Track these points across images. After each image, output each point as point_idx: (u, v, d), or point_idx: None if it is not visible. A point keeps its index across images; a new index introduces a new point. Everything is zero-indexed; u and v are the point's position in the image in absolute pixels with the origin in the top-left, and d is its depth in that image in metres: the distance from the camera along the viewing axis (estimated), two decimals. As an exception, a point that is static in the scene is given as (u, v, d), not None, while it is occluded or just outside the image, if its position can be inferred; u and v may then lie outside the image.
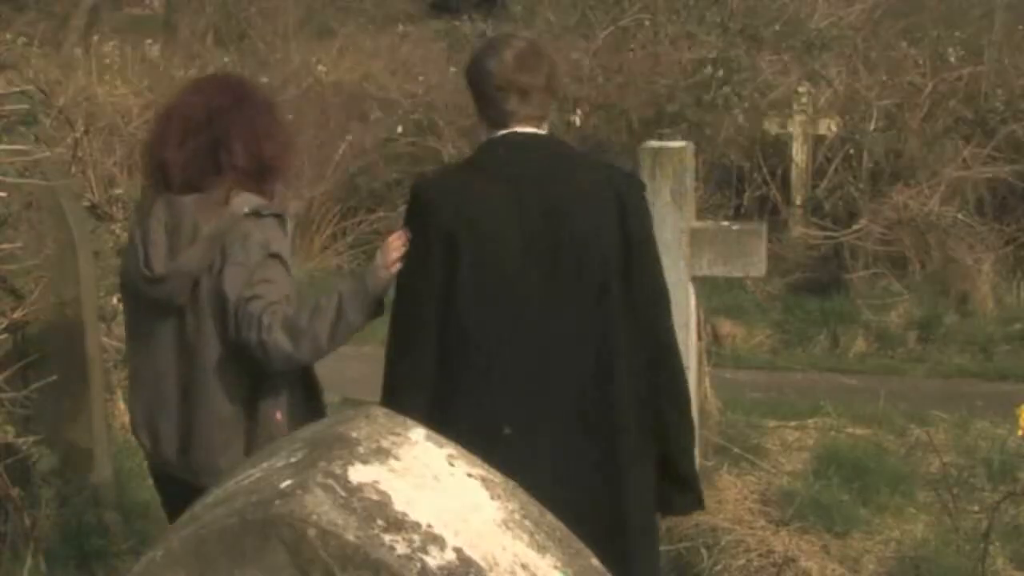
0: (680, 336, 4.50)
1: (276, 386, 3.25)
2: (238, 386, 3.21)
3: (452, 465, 2.25)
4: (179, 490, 3.12)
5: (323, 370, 7.03)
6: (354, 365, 8.45)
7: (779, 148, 10.22)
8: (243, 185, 3.25)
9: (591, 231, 3.01)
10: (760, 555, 4.56)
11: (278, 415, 3.25)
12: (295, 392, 3.31)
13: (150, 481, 5.16)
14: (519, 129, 3.07)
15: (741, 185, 10.17)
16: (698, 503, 3.34)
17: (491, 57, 3.08)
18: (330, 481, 2.07)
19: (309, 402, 3.36)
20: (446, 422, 2.59)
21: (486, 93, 3.09)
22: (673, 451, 3.16)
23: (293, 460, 2.19)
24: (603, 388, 3.01)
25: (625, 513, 3.02)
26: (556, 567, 2.13)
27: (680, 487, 3.22)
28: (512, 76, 3.05)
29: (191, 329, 3.20)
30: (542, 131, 3.12)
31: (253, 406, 3.23)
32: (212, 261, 3.17)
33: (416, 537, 2.02)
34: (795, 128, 10.14)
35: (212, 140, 3.25)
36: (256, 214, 3.23)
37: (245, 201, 3.23)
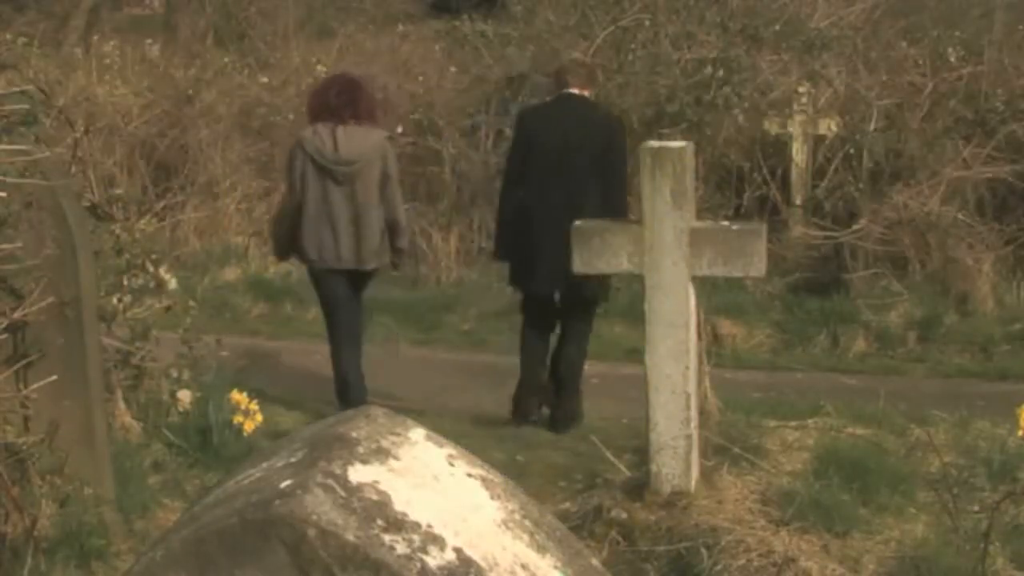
0: (680, 336, 4.58)
1: (384, 221, 6.61)
2: (378, 220, 6.56)
3: (452, 465, 2.25)
4: (340, 276, 6.63)
5: (324, 369, 7.14)
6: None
7: (779, 148, 10.22)
8: (369, 122, 6.60)
9: (592, 134, 6.41)
10: (760, 555, 4.56)
11: (384, 235, 6.63)
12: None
13: (151, 480, 5.17)
14: (571, 91, 6.54)
15: (741, 185, 10.16)
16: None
17: (565, 61, 7.07)
18: (330, 481, 2.07)
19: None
20: (524, 198, 6.46)
21: (560, 75, 6.67)
22: None
23: (293, 460, 2.19)
24: (592, 197, 6.20)
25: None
26: (556, 567, 2.13)
27: None
28: (570, 66, 6.74)
29: (359, 190, 6.45)
30: (585, 93, 6.59)
31: (382, 232, 6.58)
32: (376, 156, 6.50)
33: (416, 537, 2.03)
34: (795, 128, 10.13)
35: (351, 98, 6.52)
36: (391, 137, 7.01)
37: (383, 132, 6.79)
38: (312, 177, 6.41)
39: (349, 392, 6.71)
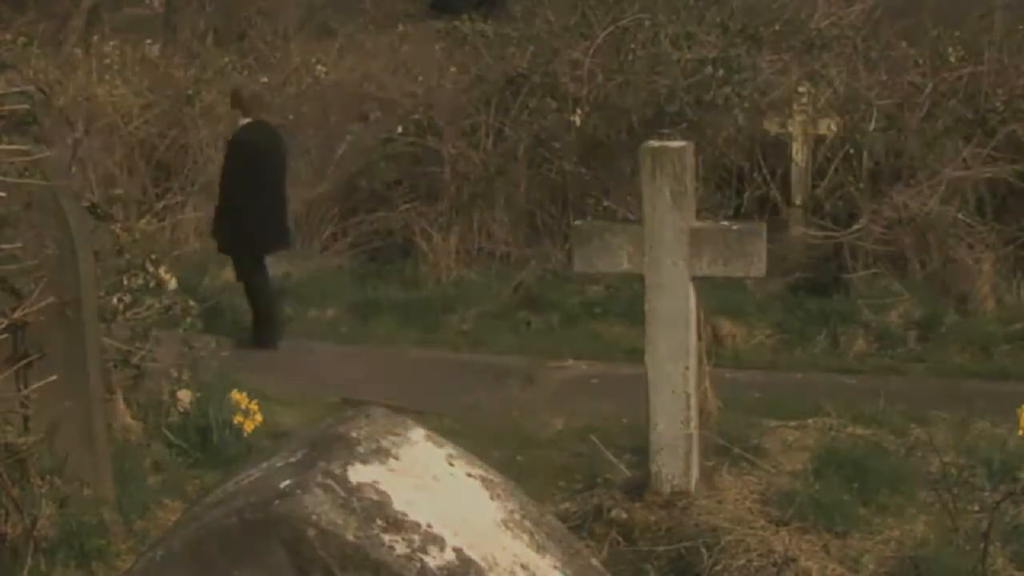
0: (680, 336, 4.55)
1: None
2: None
3: (452, 465, 2.26)
4: None
5: (324, 369, 7.17)
6: (354, 365, 8.47)
7: (779, 148, 10.21)
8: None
9: (283, 146, 9.37)
10: (760, 555, 4.56)
11: None
12: None
13: (149, 480, 5.17)
14: (263, 119, 9.26)
15: (741, 185, 10.15)
16: None
17: (247, 97, 9.28)
18: (330, 481, 2.07)
19: None
20: (255, 194, 8.90)
21: (250, 107, 9.05)
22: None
23: (293, 460, 2.19)
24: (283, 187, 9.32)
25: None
26: (556, 567, 2.13)
27: None
28: (257, 103, 9.32)
29: None
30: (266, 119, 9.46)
31: None
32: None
33: (416, 537, 2.03)
34: (795, 128, 10.12)
35: None
36: None
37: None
38: None
39: None
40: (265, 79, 12.56)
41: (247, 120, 8.91)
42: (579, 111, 10.37)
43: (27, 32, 12.10)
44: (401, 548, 1.99)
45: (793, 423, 5.95)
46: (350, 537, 1.98)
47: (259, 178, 8.89)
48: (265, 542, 2.01)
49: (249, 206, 8.84)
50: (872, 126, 9.45)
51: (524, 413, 7.11)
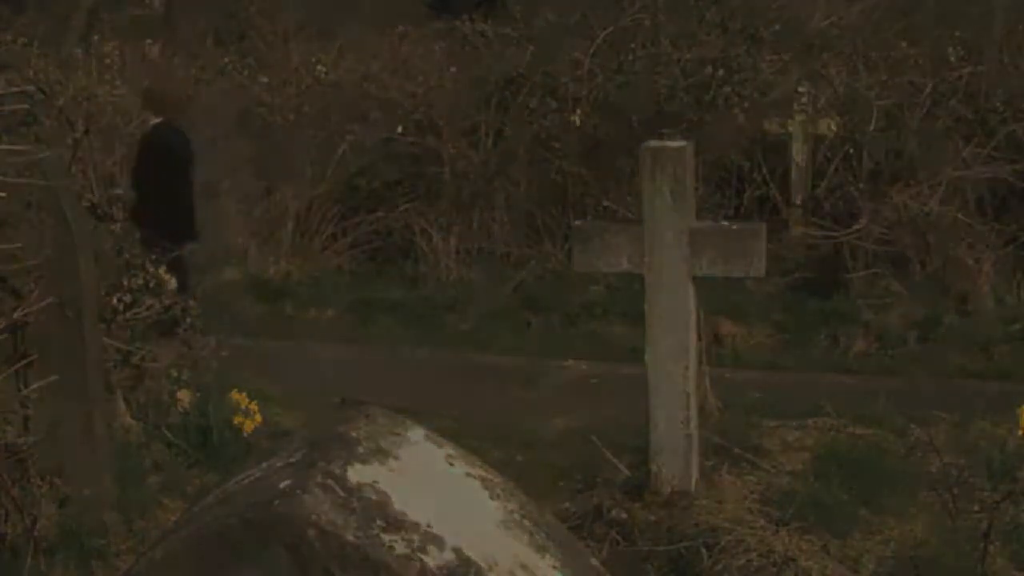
0: (680, 336, 4.55)
1: None
2: None
3: (452, 465, 2.26)
4: None
5: (324, 369, 7.20)
6: (354, 365, 8.47)
7: (779, 148, 10.22)
8: None
9: (190, 147, 8.60)
10: (760, 555, 4.56)
11: None
12: None
13: (151, 480, 5.18)
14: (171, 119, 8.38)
15: (741, 185, 10.16)
16: None
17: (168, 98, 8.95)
18: (329, 481, 2.07)
19: None
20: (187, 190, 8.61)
21: (164, 107, 8.56)
22: None
23: (292, 460, 2.19)
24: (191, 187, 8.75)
25: None
26: (555, 567, 2.13)
27: None
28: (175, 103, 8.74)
29: None
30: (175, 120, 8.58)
31: None
32: None
33: (416, 537, 2.03)
34: (795, 128, 10.13)
35: None
36: None
37: None
38: None
39: None
40: (265, 79, 12.54)
41: (157, 120, 8.79)
42: (579, 111, 10.38)
43: (27, 32, 12.11)
44: (401, 548, 1.99)
45: (793, 423, 5.95)
46: (350, 537, 1.98)
47: (171, 176, 8.86)
48: (265, 542, 2.01)
49: (166, 203, 8.74)
50: (872, 126, 9.45)
51: (524, 413, 7.11)
